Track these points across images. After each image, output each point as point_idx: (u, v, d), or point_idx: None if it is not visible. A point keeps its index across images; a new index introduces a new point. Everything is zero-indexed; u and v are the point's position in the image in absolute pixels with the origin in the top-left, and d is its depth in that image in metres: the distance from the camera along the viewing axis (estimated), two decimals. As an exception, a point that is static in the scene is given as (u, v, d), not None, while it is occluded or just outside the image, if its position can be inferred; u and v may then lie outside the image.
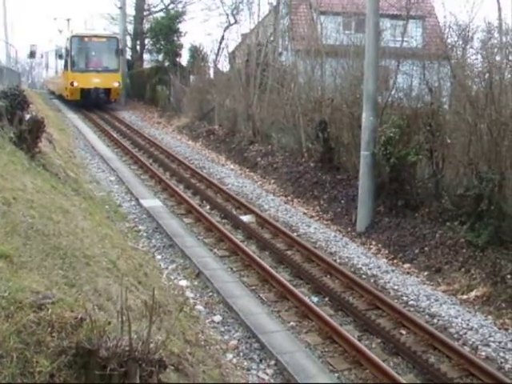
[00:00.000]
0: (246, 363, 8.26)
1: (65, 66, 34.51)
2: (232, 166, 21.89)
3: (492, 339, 9.24)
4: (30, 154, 12.89)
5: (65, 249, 7.32)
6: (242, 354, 8.50)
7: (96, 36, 34.77)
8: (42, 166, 13.07)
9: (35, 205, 8.69)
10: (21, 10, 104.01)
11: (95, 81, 33.48)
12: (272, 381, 7.92)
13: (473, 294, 10.78)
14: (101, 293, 6.46)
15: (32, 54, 48.02)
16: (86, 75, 33.44)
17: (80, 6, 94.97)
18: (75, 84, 33.32)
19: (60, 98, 37.91)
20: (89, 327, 4.57)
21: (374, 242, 13.71)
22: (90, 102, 34.31)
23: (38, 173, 11.99)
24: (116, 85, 34.66)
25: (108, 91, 34.69)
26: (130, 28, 44.24)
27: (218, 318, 9.51)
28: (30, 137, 13.08)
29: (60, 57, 36.39)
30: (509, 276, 10.79)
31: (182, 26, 37.94)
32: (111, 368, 4.16)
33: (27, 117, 13.74)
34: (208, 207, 15.94)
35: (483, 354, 8.85)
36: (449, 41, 17.37)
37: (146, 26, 42.89)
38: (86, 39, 34.23)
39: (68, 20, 45.05)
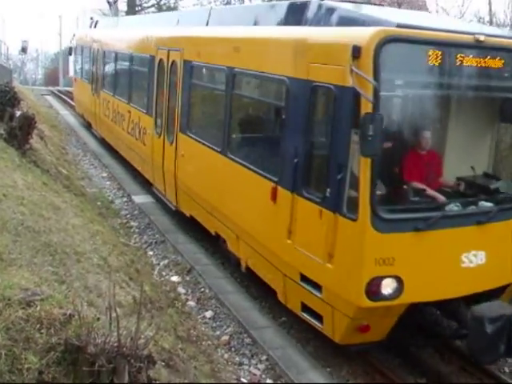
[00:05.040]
0: (237, 358, 8.29)
1: (296, 182, 7.72)
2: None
3: None
4: (21, 150, 12.83)
5: (55, 246, 7.32)
6: (233, 349, 8.53)
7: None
8: (33, 163, 13.01)
9: (26, 201, 8.67)
10: (11, 5, 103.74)
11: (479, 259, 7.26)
12: (263, 376, 7.95)
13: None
14: (91, 289, 6.47)
15: (24, 50, 47.79)
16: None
17: (71, 1, 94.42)
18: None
19: None
20: (77, 324, 4.58)
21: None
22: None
23: (28, 169, 11.94)
24: None
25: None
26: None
27: (209, 314, 9.53)
28: (20, 133, 13.01)
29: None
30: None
31: (173, 21, 37.66)
32: (100, 364, 4.16)
33: (18, 113, 13.67)
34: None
35: None
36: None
37: (138, 21, 42.77)
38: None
39: None
